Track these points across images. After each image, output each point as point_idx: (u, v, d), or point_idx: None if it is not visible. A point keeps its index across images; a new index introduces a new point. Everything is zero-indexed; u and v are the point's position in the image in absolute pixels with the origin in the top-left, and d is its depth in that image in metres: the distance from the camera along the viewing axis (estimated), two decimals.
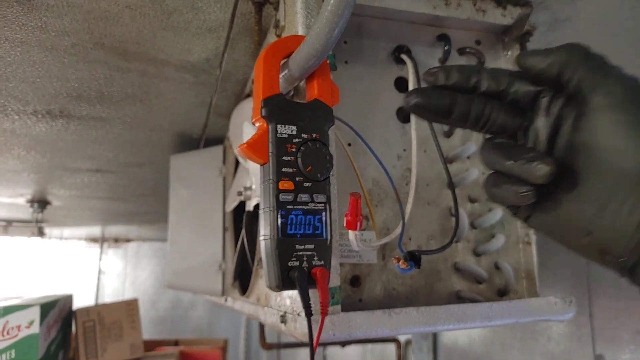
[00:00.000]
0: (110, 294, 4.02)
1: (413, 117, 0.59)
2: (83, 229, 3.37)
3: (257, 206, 0.80)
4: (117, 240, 4.22)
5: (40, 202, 2.07)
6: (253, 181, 0.81)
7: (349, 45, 0.63)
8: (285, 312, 0.55)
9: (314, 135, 0.43)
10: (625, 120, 0.31)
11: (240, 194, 0.84)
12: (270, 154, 0.42)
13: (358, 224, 0.44)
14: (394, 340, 1.98)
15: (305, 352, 2.99)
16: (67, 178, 1.62)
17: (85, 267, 4.04)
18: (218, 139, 1.22)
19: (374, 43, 0.64)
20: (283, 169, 0.42)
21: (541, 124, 0.35)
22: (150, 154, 1.36)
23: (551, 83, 0.34)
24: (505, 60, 0.68)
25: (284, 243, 0.41)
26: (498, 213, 0.63)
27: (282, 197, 0.41)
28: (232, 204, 0.96)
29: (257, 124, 0.43)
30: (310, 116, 0.44)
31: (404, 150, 0.63)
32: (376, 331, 0.50)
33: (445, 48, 0.65)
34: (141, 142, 1.24)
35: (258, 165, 0.43)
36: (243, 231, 0.87)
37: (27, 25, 0.68)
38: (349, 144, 0.60)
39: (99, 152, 1.31)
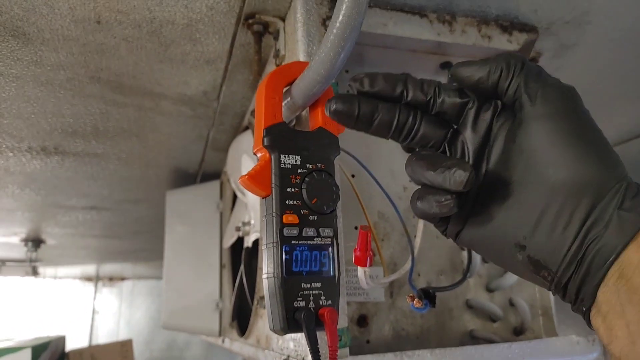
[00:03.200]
0: (105, 334, 3.91)
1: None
2: (78, 267, 3.31)
3: (256, 242, 0.77)
4: (111, 279, 4.15)
5: (35, 241, 2.03)
6: (252, 216, 0.78)
7: (350, 74, 0.61)
8: (288, 356, 0.51)
9: (319, 165, 0.41)
10: (563, 129, 0.30)
11: (238, 229, 0.80)
12: (273, 185, 0.39)
13: (368, 259, 0.41)
14: None
15: None
16: (62, 216, 1.58)
17: (79, 306, 3.95)
18: (215, 174, 1.20)
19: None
20: (287, 201, 0.39)
21: (469, 136, 0.33)
22: (145, 190, 1.33)
23: (487, 93, 0.33)
24: None
25: (289, 281, 0.37)
26: None
27: (286, 231, 0.38)
28: (229, 240, 0.92)
29: (259, 154, 0.41)
30: (315, 145, 0.41)
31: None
32: None
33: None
34: (137, 178, 1.21)
35: (256, 199, 0.40)
36: (242, 268, 0.84)
37: (22, 60, 0.67)
38: (353, 175, 0.57)
39: (94, 189, 1.28)
